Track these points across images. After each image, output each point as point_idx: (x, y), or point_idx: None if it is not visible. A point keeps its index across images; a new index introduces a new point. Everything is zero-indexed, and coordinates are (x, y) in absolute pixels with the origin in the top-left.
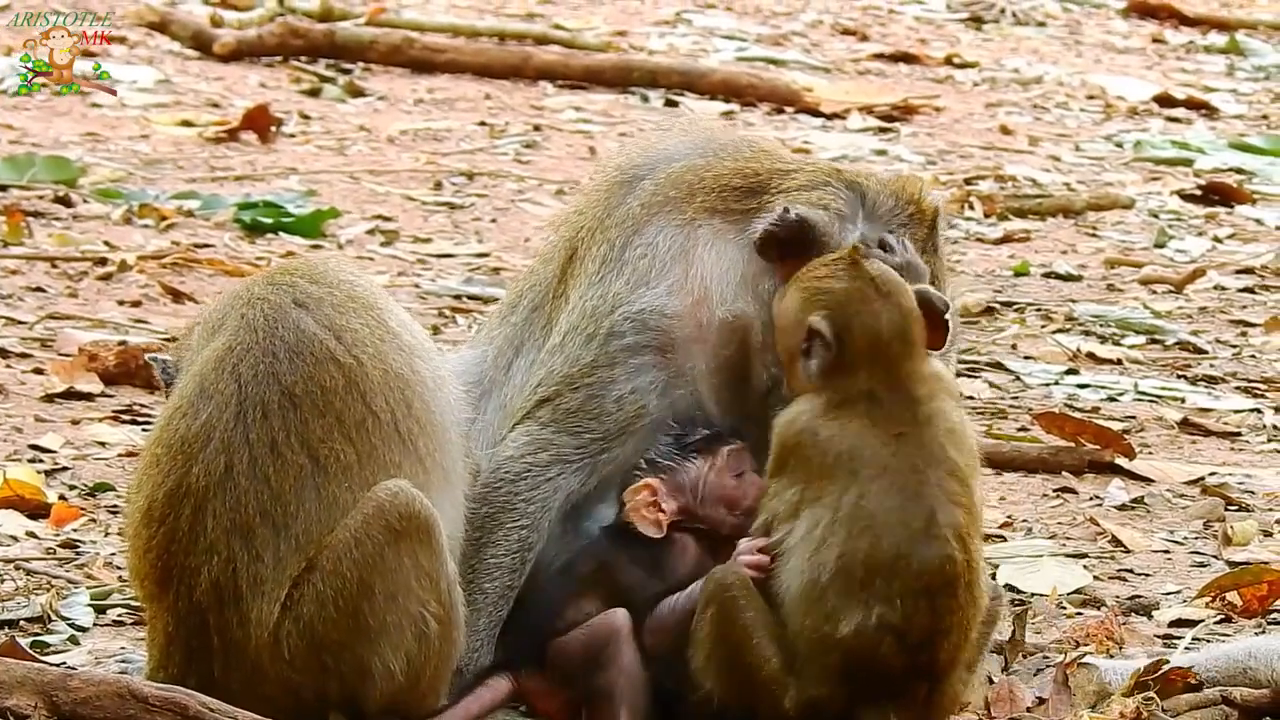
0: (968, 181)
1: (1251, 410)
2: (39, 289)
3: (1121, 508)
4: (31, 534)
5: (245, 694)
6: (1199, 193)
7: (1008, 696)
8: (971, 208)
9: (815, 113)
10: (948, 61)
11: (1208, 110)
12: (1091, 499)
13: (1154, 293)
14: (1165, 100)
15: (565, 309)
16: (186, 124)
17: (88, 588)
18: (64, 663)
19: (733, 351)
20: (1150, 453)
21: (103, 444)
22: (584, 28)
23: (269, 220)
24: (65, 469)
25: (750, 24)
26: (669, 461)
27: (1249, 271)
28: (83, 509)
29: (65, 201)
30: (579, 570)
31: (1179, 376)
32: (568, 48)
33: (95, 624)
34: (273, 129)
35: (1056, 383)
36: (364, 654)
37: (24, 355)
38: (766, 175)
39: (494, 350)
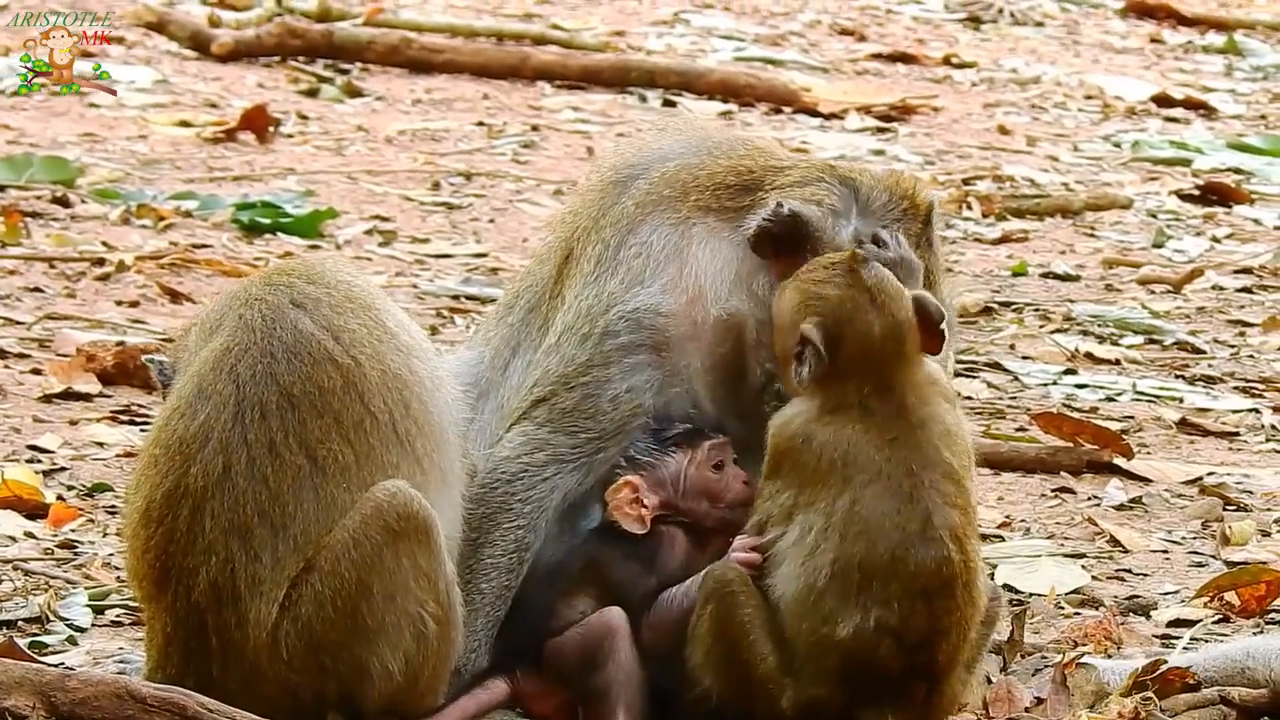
0: (966, 181)
1: (1249, 410)
2: (37, 289)
3: (1120, 508)
4: (30, 534)
5: (243, 694)
6: (1197, 193)
7: (1006, 696)
8: (969, 208)
9: (813, 113)
10: (946, 61)
11: (1206, 110)
12: (1089, 499)
13: (1152, 293)
14: (1163, 100)
15: (561, 309)
16: (184, 124)
17: (86, 588)
18: (62, 663)
19: (728, 349)
20: (1148, 453)
21: (101, 444)
22: (582, 28)
23: (267, 220)
24: (63, 469)
25: (748, 24)
26: (648, 458)
27: (1247, 271)
28: (81, 509)
29: (63, 202)
30: (570, 569)
31: (1177, 376)
32: (566, 48)
33: (93, 624)
34: (271, 129)
35: (1055, 383)
36: (362, 654)
37: (22, 355)
38: (760, 172)
39: (491, 351)
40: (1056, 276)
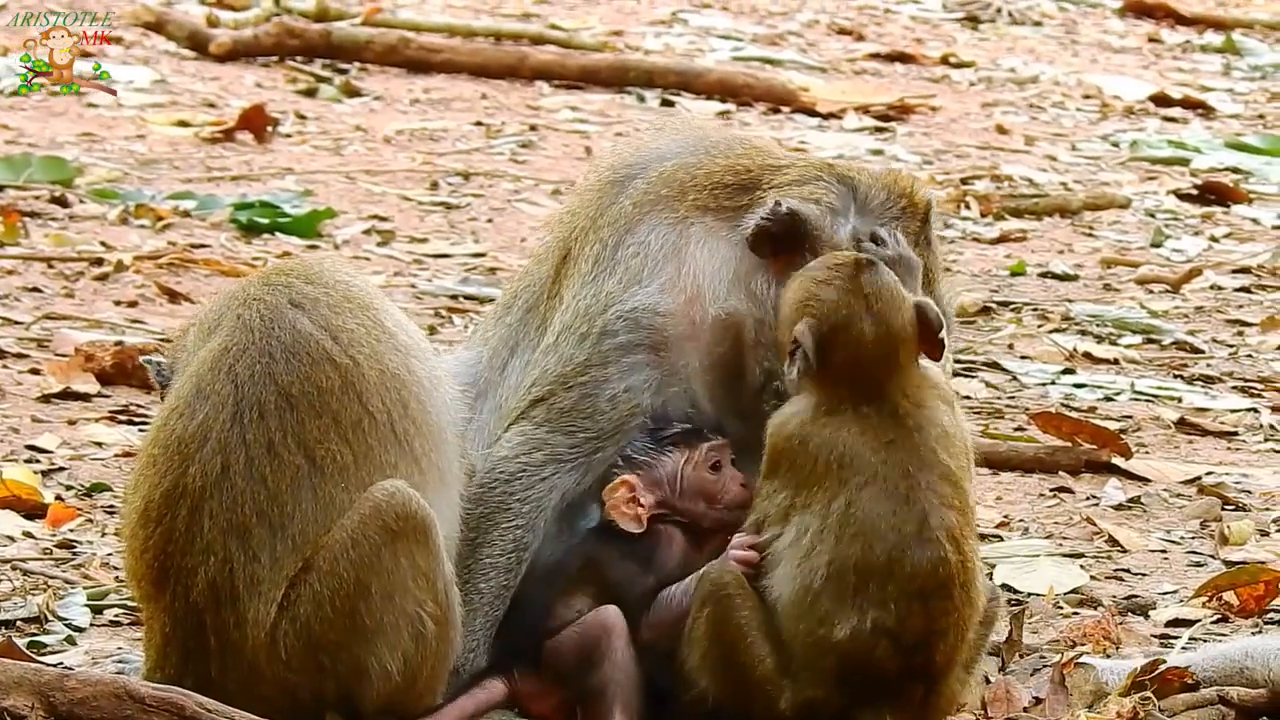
0: (964, 181)
1: (1248, 410)
2: (35, 289)
3: (1118, 507)
4: (28, 534)
5: (242, 694)
6: (1195, 192)
7: (1004, 696)
8: (968, 207)
9: (811, 112)
10: (944, 61)
11: (1204, 110)
12: (1088, 499)
13: (1150, 292)
14: (1161, 100)
15: (559, 309)
16: (183, 124)
17: (84, 588)
18: (61, 663)
19: (726, 349)
20: (1147, 452)
21: (99, 444)
22: (580, 28)
23: (265, 220)
24: (62, 469)
25: (746, 24)
26: (645, 457)
27: (1245, 271)
28: (79, 509)
29: (61, 202)
30: (568, 569)
31: (1175, 376)
32: (564, 48)
33: (92, 624)
34: (269, 129)
35: (1053, 382)
36: (361, 654)
37: (20, 355)
38: (758, 172)
39: (489, 351)
40: (1055, 276)
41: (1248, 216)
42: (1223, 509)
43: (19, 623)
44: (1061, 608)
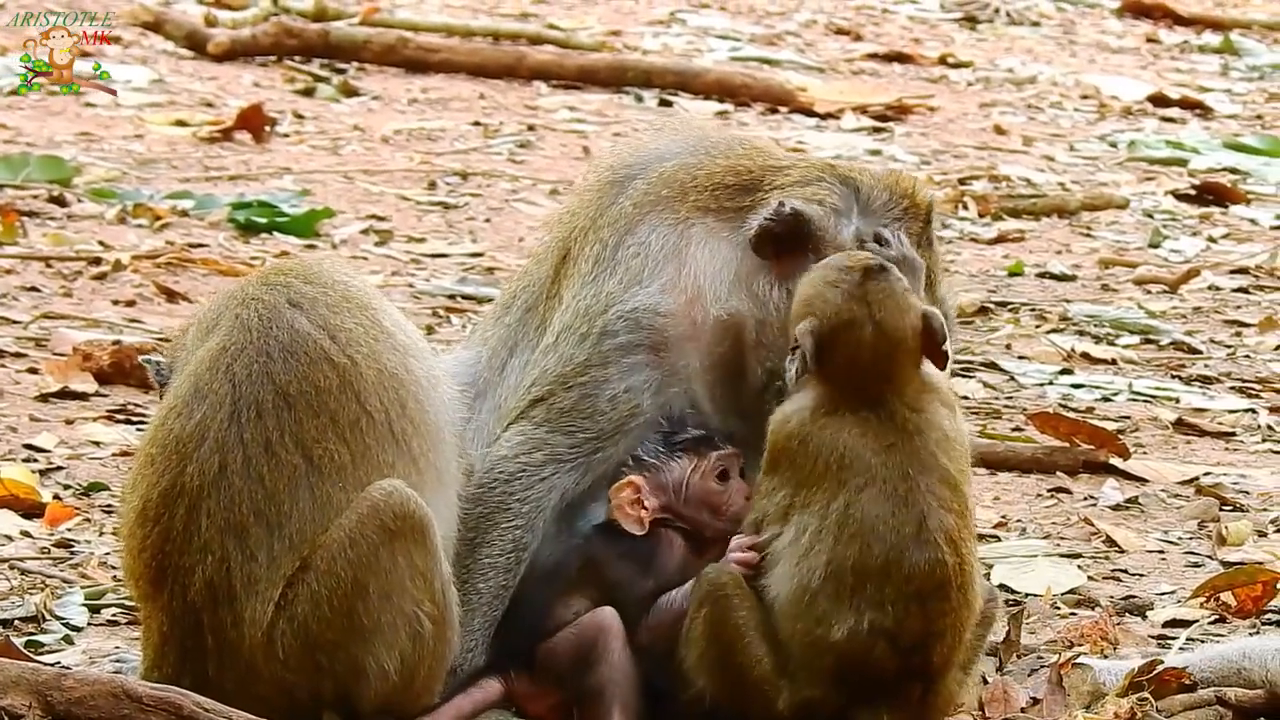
0: (962, 181)
1: (1246, 410)
2: (33, 288)
3: (1116, 508)
4: (26, 533)
5: (239, 693)
6: (1193, 193)
7: (1002, 697)
8: (966, 207)
9: (809, 113)
10: (942, 61)
11: (1202, 110)
12: (1086, 499)
13: (1148, 293)
14: (1159, 100)
15: (559, 309)
16: (181, 124)
17: (82, 587)
18: (58, 662)
19: (726, 349)
20: (1145, 453)
21: (97, 443)
22: (578, 27)
23: (263, 220)
24: (60, 468)
25: (744, 24)
26: (654, 460)
27: (1243, 271)
28: (77, 508)
29: (60, 201)
30: (568, 570)
31: (1173, 376)
32: (562, 47)
33: (90, 623)
34: (267, 129)
35: (1051, 383)
36: (358, 653)
37: (18, 355)
38: (759, 172)
39: (488, 351)
40: (1053, 276)
41: (1246, 217)
42: (1220, 509)
43: (16, 622)
44: (1059, 608)
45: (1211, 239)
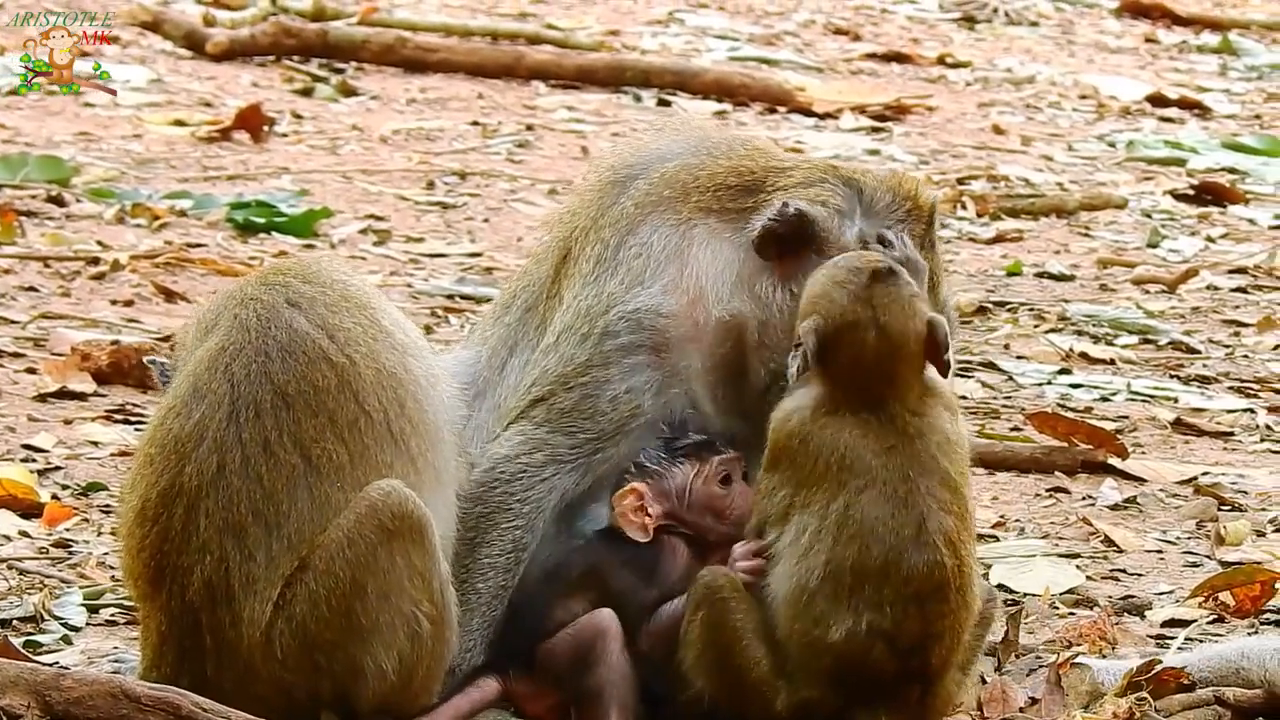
0: (960, 181)
1: (1244, 410)
2: (32, 288)
3: (1114, 508)
4: (24, 533)
5: (238, 693)
6: (1192, 192)
7: (1000, 697)
8: (964, 207)
9: (808, 112)
10: (940, 61)
11: (1200, 110)
12: (1084, 499)
13: (1147, 292)
14: (1158, 100)
15: (559, 309)
16: (179, 123)
17: (80, 587)
18: (57, 662)
19: (728, 350)
20: (1143, 453)
21: (95, 443)
22: (576, 27)
23: (261, 220)
24: (58, 468)
25: (743, 24)
26: (657, 466)
27: (1242, 271)
28: (75, 508)
29: (58, 201)
30: (568, 572)
31: (1172, 376)
32: (560, 47)
33: (88, 623)
34: (265, 128)
35: (1049, 382)
36: (356, 653)
37: (17, 355)
38: (762, 173)
39: (488, 350)
40: (1051, 276)
41: (1244, 217)
42: (1219, 509)
43: (15, 622)
44: (1057, 608)
45: (1210, 239)
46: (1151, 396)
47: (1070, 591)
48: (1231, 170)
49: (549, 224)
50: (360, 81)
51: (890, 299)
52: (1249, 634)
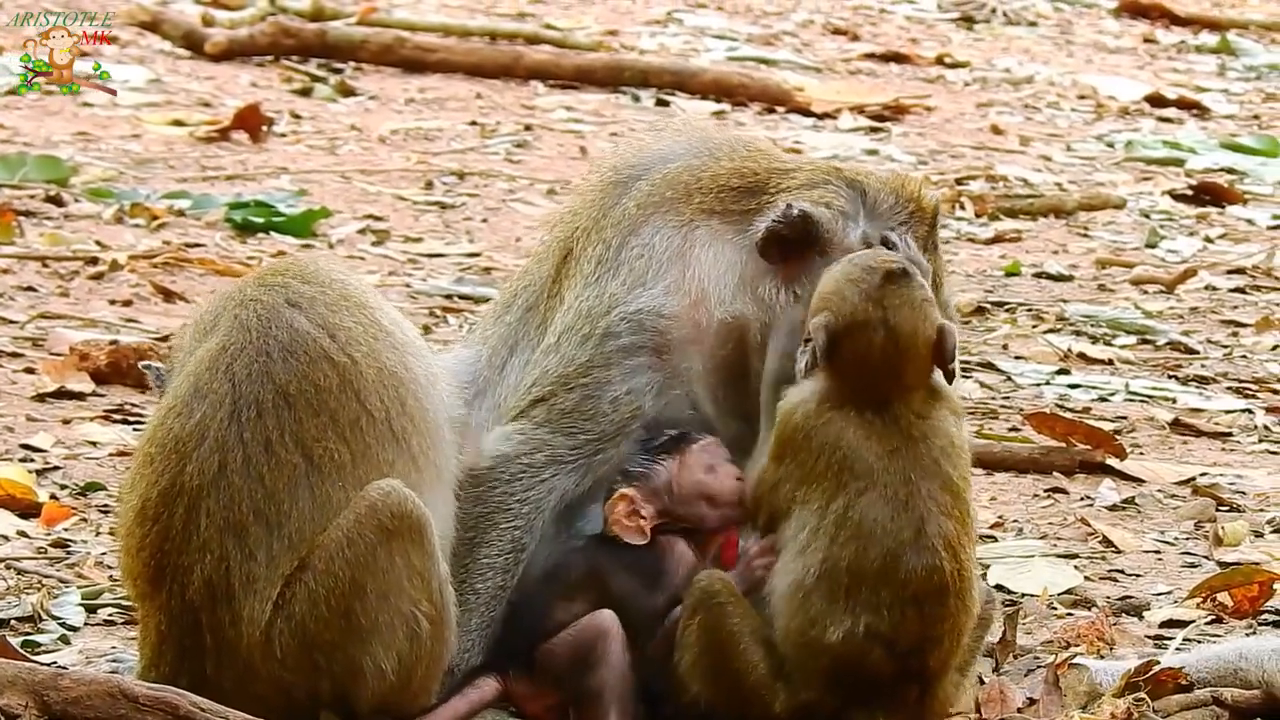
0: (959, 181)
1: (1243, 410)
2: (30, 288)
3: (1112, 508)
4: (22, 533)
5: (237, 693)
6: (1190, 193)
7: (998, 697)
8: (963, 207)
9: (806, 112)
10: (939, 61)
11: (1199, 110)
12: (1082, 499)
13: (1145, 293)
14: (1156, 100)
15: (560, 309)
16: (178, 123)
17: (79, 587)
18: (55, 662)
19: (730, 352)
20: (1141, 453)
21: (94, 443)
22: (575, 27)
23: (260, 220)
24: (56, 468)
25: (741, 23)
26: (640, 468)
27: (1240, 272)
28: (74, 508)
29: (57, 201)
30: (569, 574)
31: (1170, 377)
32: (559, 47)
33: (86, 623)
34: (264, 128)
35: (1047, 383)
36: (356, 653)
37: (15, 355)
38: (765, 175)
39: (488, 350)
40: (1050, 276)
41: (1243, 217)
42: (1217, 510)
43: (13, 622)
44: (1055, 608)
45: (1208, 239)
46: (1150, 397)
47: (1068, 592)
48: (1230, 170)
49: (550, 224)
50: (359, 81)
51: (902, 300)
52: (1247, 634)
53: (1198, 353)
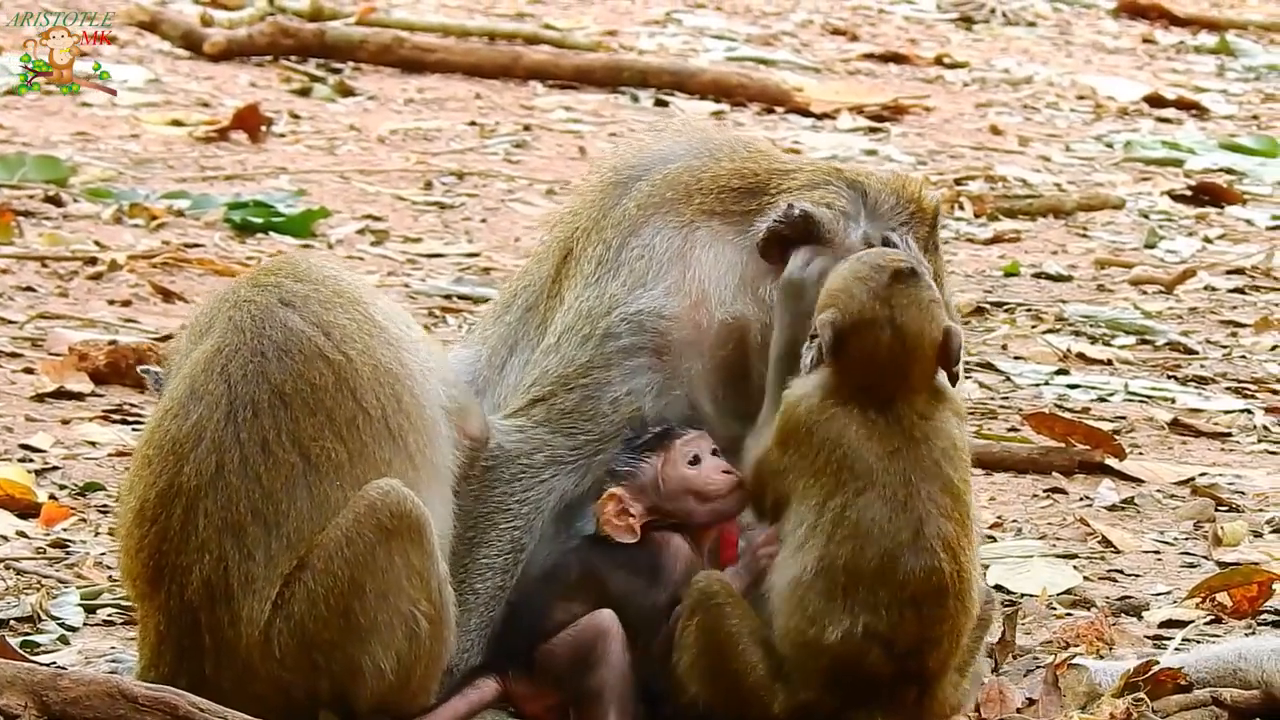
0: (958, 182)
1: (1242, 411)
2: (29, 288)
3: (1111, 508)
4: (22, 533)
5: (236, 693)
6: (1189, 193)
7: (998, 697)
8: (962, 208)
9: (805, 113)
10: (938, 61)
11: (1198, 110)
12: (1081, 499)
13: (1144, 293)
14: (1155, 100)
15: (560, 309)
16: (177, 123)
17: (78, 587)
18: (54, 662)
19: (730, 353)
20: (1140, 453)
21: (93, 443)
22: (574, 27)
23: (259, 220)
24: (55, 468)
25: (740, 24)
26: (627, 467)
27: (1239, 272)
28: (73, 508)
29: (55, 201)
30: (569, 574)
31: (1169, 377)
32: (558, 47)
33: (85, 624)
34: (263, 128)
35: (1047, 383)
36: (355, 653)
37: (14, 355)
38: (765, 176)
39: (488, 350)
40: (1049, 277)
41: (1242, 217)
42: (1216, 510)
43: (12, 622)
44: (1055, 609)
45: (1207, 239)
46: (1149, 397)
47: (1067, 592)
48: (1229, 171)
49: (550, 224)
50: (358, 81)
51: (910, 300)
52: (1246, 635)
53: (1197, 353)
